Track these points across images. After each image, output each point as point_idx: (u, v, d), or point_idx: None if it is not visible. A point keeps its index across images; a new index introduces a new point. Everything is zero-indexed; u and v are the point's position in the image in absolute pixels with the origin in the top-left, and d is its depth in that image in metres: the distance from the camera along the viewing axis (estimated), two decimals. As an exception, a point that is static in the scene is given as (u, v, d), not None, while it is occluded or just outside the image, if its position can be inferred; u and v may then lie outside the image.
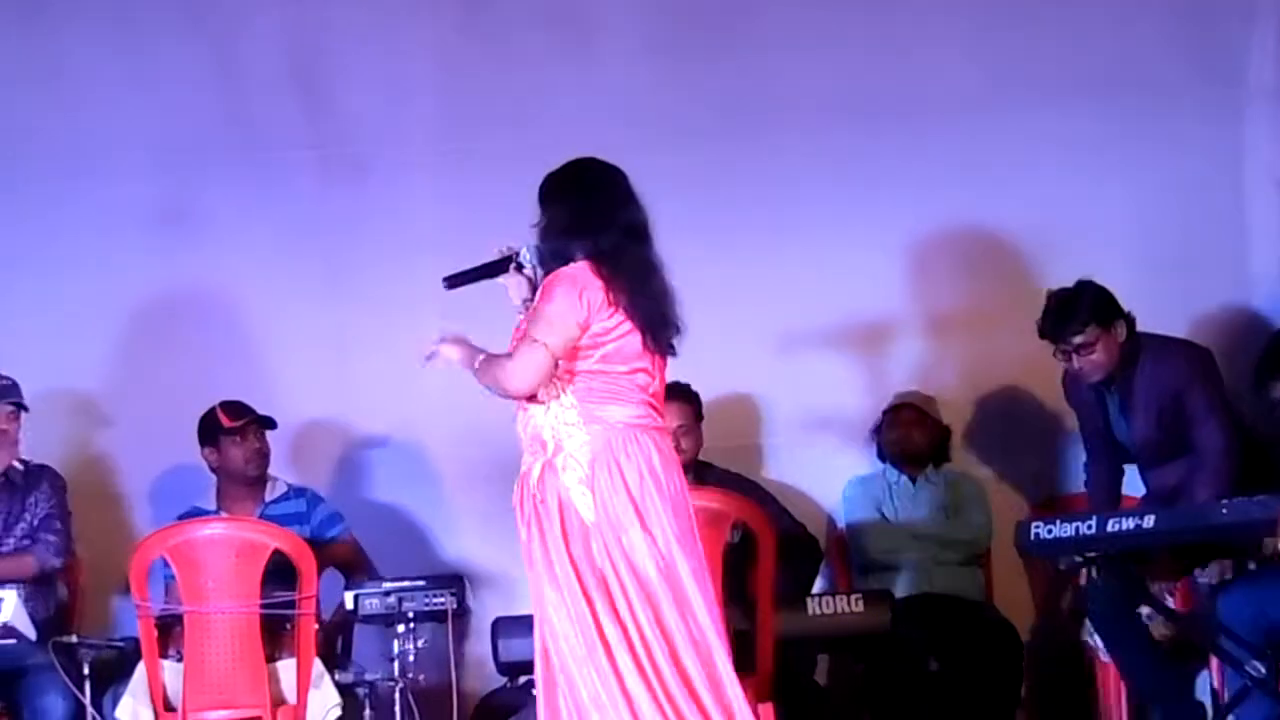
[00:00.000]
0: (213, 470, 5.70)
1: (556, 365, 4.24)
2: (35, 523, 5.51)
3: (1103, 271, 6.03)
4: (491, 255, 4.36)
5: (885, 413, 6.08)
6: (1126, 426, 5.44)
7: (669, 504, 4.27)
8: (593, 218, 4.33)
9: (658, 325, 4.33)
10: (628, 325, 4.28)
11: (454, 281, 4.30)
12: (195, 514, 5.62)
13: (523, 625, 4.59)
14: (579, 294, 4.24)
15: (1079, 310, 5.34)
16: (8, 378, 5.51)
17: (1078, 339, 5.33)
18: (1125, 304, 5.82)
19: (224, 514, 5.62)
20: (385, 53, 6.17)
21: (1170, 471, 5.35)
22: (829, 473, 6.13)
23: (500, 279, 4.39)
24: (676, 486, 4.32)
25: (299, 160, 6.14)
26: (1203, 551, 5.04)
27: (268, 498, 5.70)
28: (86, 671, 5.09)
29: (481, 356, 4.29)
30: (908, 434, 6.01)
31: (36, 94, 6.10)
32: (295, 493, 5.74)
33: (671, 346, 4.40)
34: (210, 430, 5.66)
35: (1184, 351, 5.44)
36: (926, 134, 6.13)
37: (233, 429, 5.62)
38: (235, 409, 5.66)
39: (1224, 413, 5.33)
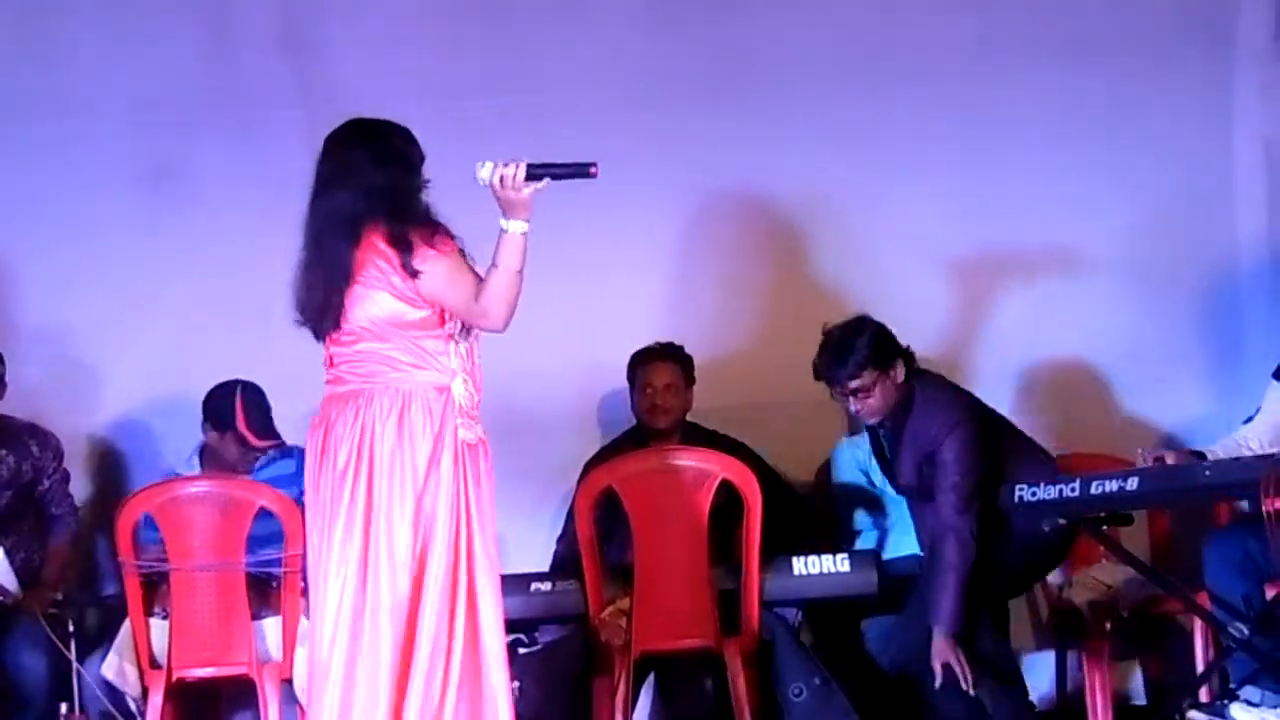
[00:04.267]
0: (208, 445, 5.68)
1: None
2: (49, 491, 5.54)
3: (1089, 236, 6.09)
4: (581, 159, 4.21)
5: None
6: (895, 465, 5.40)
7: None
8: None
9: None
10: None
11: (535, 170, 4.16)
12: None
13: (510, 583, 4.59)
14: None
15: (855, 352, 5.21)
16: None
17: (854, 383, 5.23)
18: (1110, 268, 5.85)
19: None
20: (374, 10, 6.14)
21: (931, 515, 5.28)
22: (818, 434, 6.12)
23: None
24: None
25: (286, 120, 6.08)
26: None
27: (256, 464, 5.69)
28: (71, 629, 5.08)
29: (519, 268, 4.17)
30: None
31: (18, 52, 6.06)
32: (283, 454, 5.74)
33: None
34: (225, 422, 5.64)
35: (944, 410, 5.25)
36: (910, 90, 6.11)
37: (251, 447, 5.60)
38: (262, 428, 5.62)
39: (963, 486, 5.17)
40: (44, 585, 5.29)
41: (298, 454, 5.68)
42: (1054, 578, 5.92)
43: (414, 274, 4.18)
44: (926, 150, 6.13)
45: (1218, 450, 4.92)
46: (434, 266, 4.18)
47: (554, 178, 4.17)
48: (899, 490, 5.50)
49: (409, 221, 4.20)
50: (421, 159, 4.31)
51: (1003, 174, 6.14)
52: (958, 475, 5.19)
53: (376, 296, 4.21)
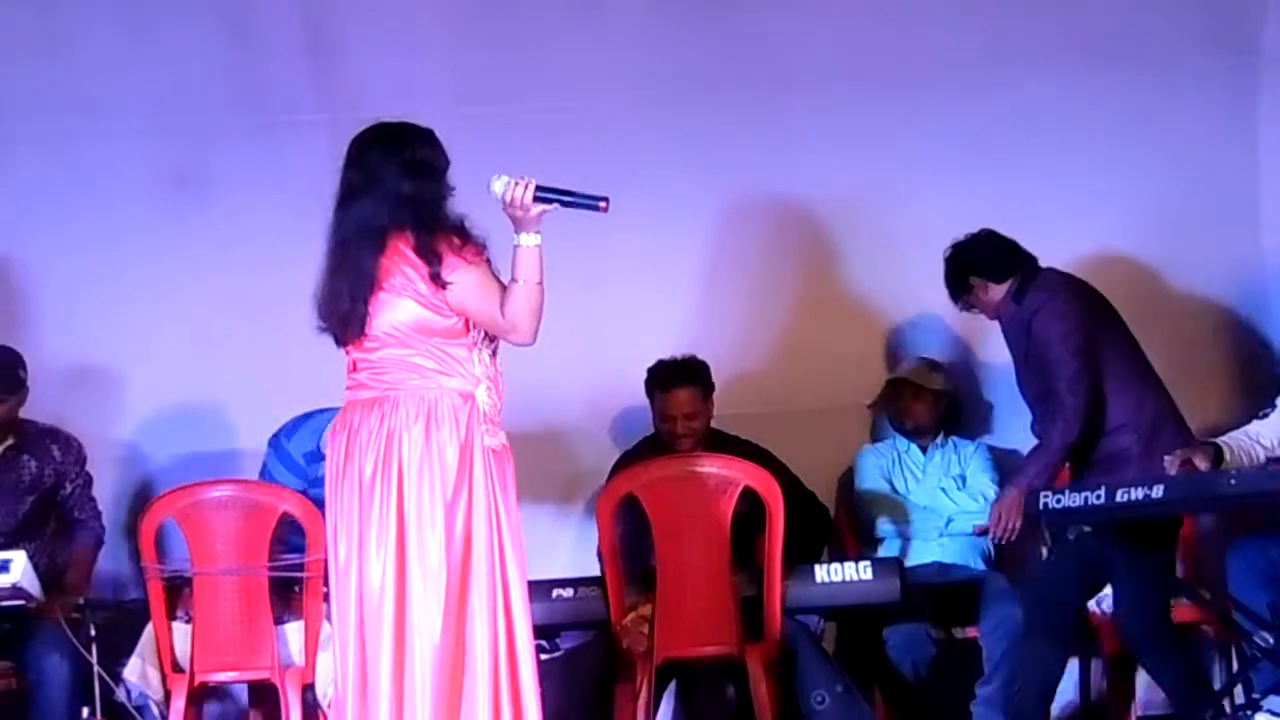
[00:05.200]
0: None
1: None
2: (72, 496, 5.54)
3: (1112, 241, 6.07)
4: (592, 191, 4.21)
5: (884, 386, 6.08)
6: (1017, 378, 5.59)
7: None
8: None
9: None
10: None
11: (544, 193, 4.17)
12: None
13: (531, 589, 4.56)
14: None
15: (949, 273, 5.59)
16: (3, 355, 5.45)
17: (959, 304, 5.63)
18: (1134, 275, 5.83)
19: None
20: (397, 15, 6.13)
21: None
22: (841, 441, 6.11)
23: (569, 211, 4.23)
24: None
25: (309, 125, 6.10)
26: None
27: None
28: (93, 633, 5.08)
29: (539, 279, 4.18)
30: (906, 408, 6.01)
31: (41, 56, 6.05)
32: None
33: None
34: None
35: (1040, 290, 5.44)
36: (930, 97, 6.11)
37: None
38: None
39: (1065, 361, 5.32)
40: (67, 590, 5.28)
41: None
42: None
43: (443, 285, 4.18)
44: (950, 156, 6.13)
45: (1229, 442, 4.90)
46: (462, 277, 4.18)
47: (562, 204, 4.17)
48: (1031, 403, 5.47)
49: (436, 230, 4.20)
50: (447, 164, 4.29)
51: (1024, 181, 6.12)
52: (1059, 348, 5.25)
53: (401, 304, 4.21)
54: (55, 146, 6.07)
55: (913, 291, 6.11)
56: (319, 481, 5.48)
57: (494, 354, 4.30)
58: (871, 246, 6.17)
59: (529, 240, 4.16)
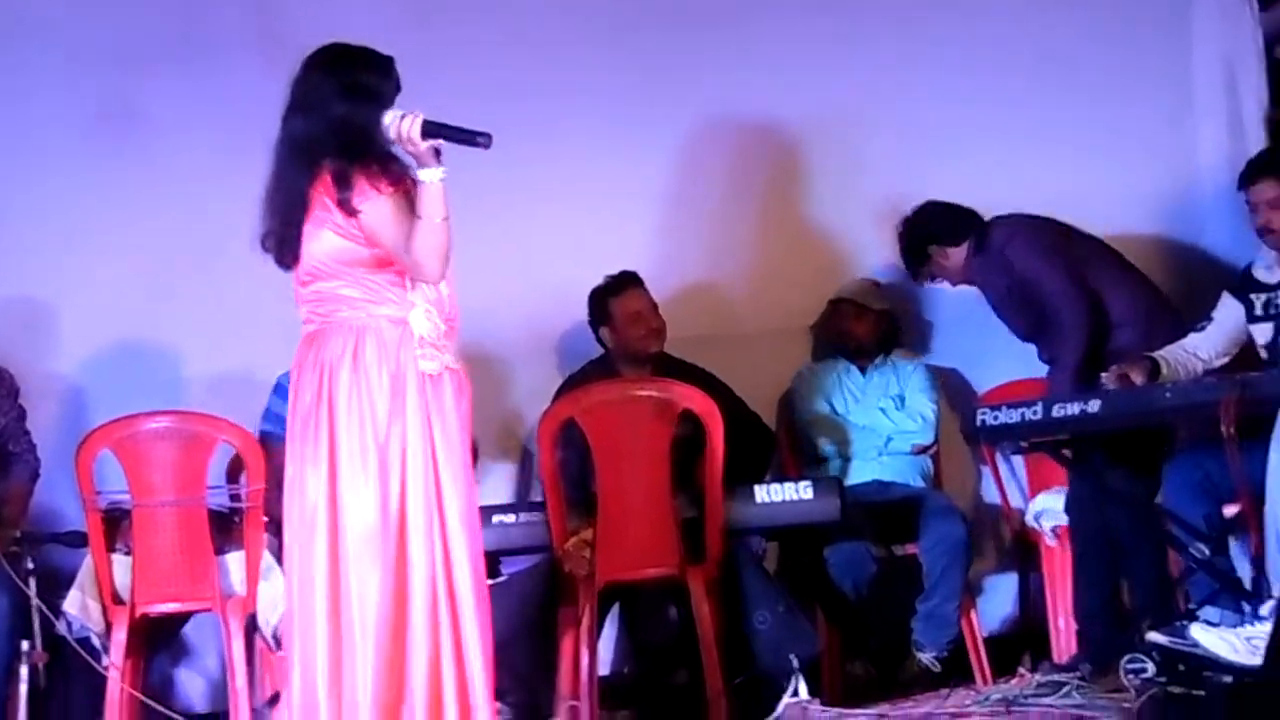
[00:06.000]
0: None
1: None
2: (5, 429, 5.48)
3: (1048, 164, 6.09)
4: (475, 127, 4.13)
5: (829, 303, 6.09)
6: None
7: None
8: None
9: None
10: None
11: (430, 128, 4.08)
12: None
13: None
14: None
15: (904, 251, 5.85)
16: None
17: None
18: (1068, 196, 5.88)
19: None
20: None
21: None
22: (783, 361, 6.12)
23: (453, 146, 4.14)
24: None
25: (241, 57, 6.03)
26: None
27: None
28: (31, 566, 5.06)
29: (447, 213, 4.08)
30: (847, 328, 6.03)
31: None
32: None
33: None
34: None
35: (999, 232, 5.65)
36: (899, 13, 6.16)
37: None
38: None
39: (1053, 278, 5.48)
40: (4, 523, 5.25)
41: None
42: (1016, 503, 5.96)
43: (351, 212, 4.12)
44: (914, 77, 6.15)
45: (1166, 357, 4.95)
46: (371, 207, 4.11)
47: (447, 138, 4.09)
48: (1026, 337, 5.59)
49: (357, 158, 4.12)
50: (395, 92, 4.19)
51: (979, 105, 6.16)
52: (1041, 265, 5.41)
53: (323, 234, 4.16)
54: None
55: (860, 210, 6.13)
56: None
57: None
58: (819, 166, 6.16)
59: (428, 175, 4.07)
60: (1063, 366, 5.37)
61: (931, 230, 5.72)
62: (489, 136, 4.07)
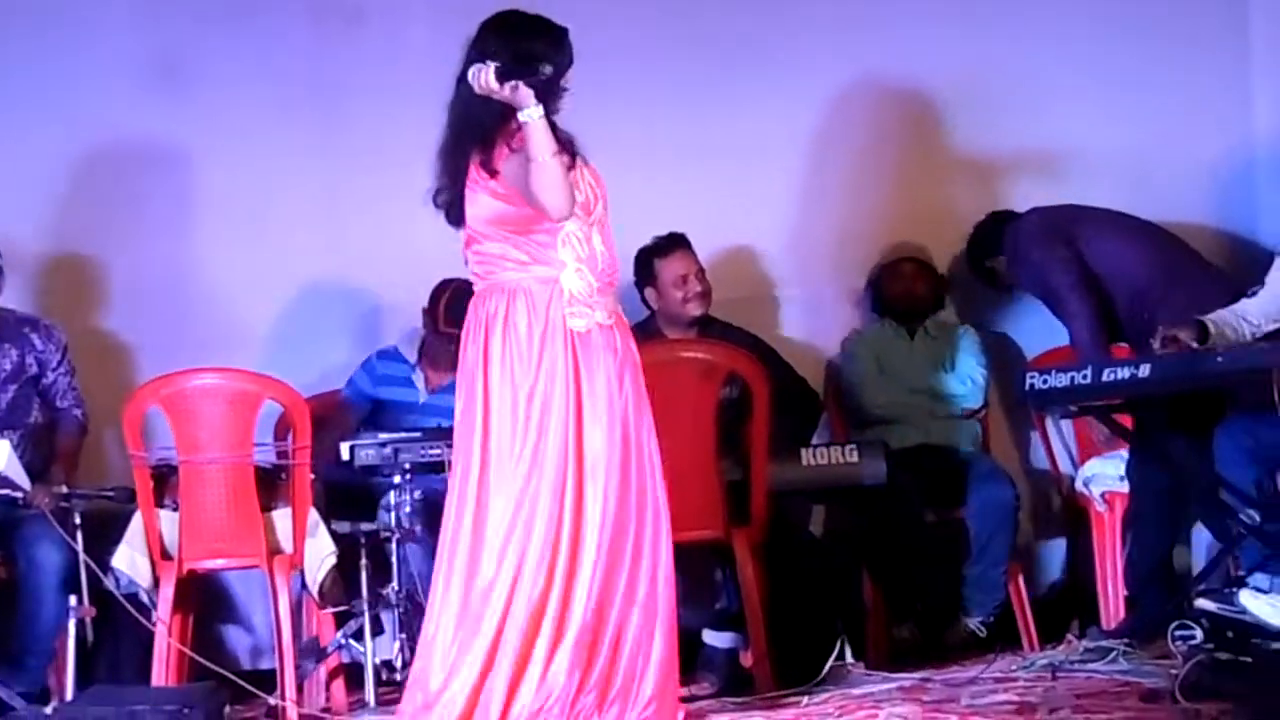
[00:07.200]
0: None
1: None
2: (55, 385, 5.51)
3: (1103, 126, 6.04)
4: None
5: (883, 266, 6.06)
6: None
7: None
8: None
9: None
10: None
11: (501, 72, 4.18)
12: (394, 354, 5.74)
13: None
14: None
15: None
16: None
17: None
18: (1123, 161, 5.85)
19: (419, 368, 5.72)
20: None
21: None
22: (830, 324, 6.10)
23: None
24: None
25: (291, 10, 6.05)
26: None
27: None
28: (78, 521, 5.08)
29: (555, 147, 4.20)
30: (910, 288, 6.00)
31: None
32: None
33: None
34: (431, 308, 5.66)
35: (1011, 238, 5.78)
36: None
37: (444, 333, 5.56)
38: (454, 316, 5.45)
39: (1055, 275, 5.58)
40: (51, 479, 5.28)
41: None
42: (1065, 468, 5.92)
43: (492, 173, 4.26)
44: (928, 41, 6.10)
45: (1215, 320, 4.90)
46: (507, 165, 4.26)
47: (518, 79, 4.18)
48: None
49: (505, 122, 4.25)
50: (567, 63, 4.30)
51: (1007, 61, 6.13)
52: (1037, 267, 5.56)
53: (478, 197, 4.31)
54: (41, 42, 5.97)
55: (897, 173, 6.10)
56: (385, 379, 5.69)
57: (588, 234, 4.34)
58: (856, 129, 6.12)
59: (524, 115, 4.19)
60: (1080, 350, 5.41)
61: (979, 244, 5.91)
62: (549, 66, 4.22)
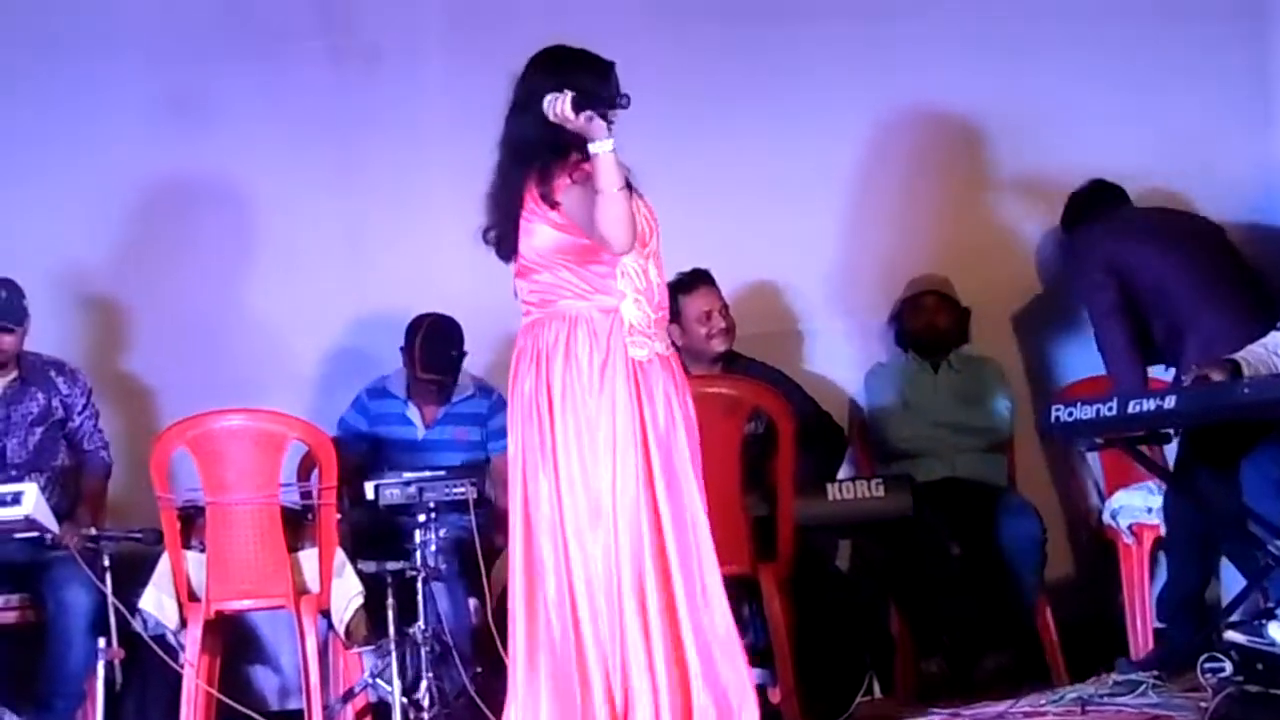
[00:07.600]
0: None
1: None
2: (80, 428, 5.54)
3: (1126, 156, 6.04)
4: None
5: (905, 300, 6.05)
6: None
7: None
8: None
9: None
10: None
11: (578, 102, 4.17)
12: (383, 392, 5.75)
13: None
14: None
15: None
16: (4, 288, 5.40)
17: None
18: (1147, 189, 5.84)
19: (411, 403, 5.72)
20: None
21: None
22: (853, 358, 6.10)
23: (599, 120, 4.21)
24: None
25: (309, 50, 6.08)
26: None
27: (455, 397, 5.73)
28: (106, 563, 5.10)
29: (623, 181, 4.19)
30: (932, 321, 5.99)
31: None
32: (482, 393, 5.75)
33: None
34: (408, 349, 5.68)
35: None
36: (936, 16, 6.09)
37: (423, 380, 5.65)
38: (431, 361, 5.64)
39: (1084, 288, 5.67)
40: (78, 522, 5.29)
41: (496, 397, 5.67)
42: (1093, 501, 5.90)
43: (553, 205, 4.25)
44: (942, 73, 6.11)
45: (1247, 357, 4.88)
46: (567, 196, 4.25)
47: (594, 109, 4.16)
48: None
49: (562, 154, 4.25)
50: (613, 98, 4.24)
51: (1020, 93, 6.13)
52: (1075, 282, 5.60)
53: (535, 228, 4.29)
54: (61, 81, 6.01)
55: (913, 208, 6.10)
56: (381, 418, 5.69)
57: (645, 267, 4.33)
58: (874, 164, 6.13)
59: (596, 148, 4.18)
60: (1112, 379, 5.41)
61: (1070, 214, 5.91)
62: (627, 97, 4.21)
